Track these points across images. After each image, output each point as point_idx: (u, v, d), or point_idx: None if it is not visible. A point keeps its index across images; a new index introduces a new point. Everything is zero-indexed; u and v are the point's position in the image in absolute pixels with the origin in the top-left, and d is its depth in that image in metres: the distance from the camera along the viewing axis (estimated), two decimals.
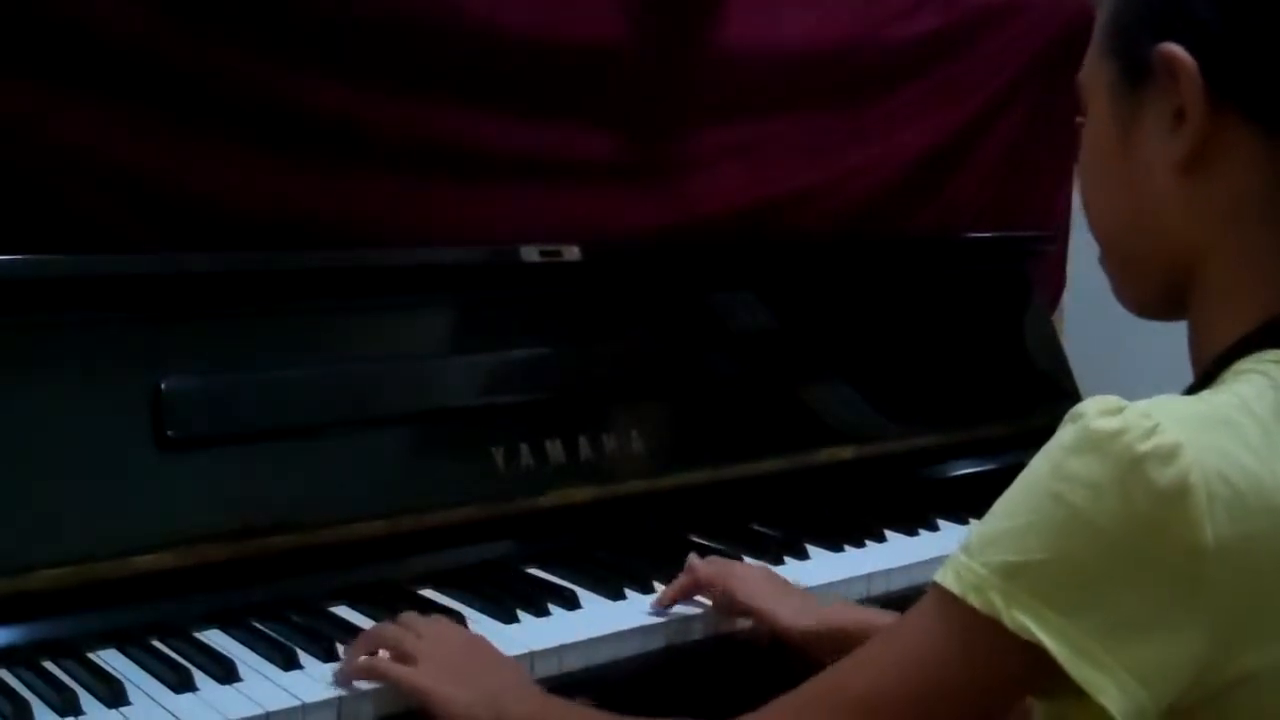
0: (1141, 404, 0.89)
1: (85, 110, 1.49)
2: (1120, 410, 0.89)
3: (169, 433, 1.43)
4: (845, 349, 2.01)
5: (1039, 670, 0.89)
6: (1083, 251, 2.51)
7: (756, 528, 1.79)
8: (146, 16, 1.50)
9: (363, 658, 1.31)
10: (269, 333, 1.55)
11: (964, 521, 1.88)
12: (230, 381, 1.49)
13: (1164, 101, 0.96)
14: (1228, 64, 0.94)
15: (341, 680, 1.30)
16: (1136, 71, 0.98)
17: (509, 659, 1.34)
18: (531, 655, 1.40)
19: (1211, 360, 0.97)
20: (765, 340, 1.96)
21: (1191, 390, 0.97)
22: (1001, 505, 0.94)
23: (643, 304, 1.86)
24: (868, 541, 1.75)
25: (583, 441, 1.69)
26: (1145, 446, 0.86)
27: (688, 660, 1.48)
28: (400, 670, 1.27)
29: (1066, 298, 2.50)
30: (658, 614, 1.51)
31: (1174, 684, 0.88)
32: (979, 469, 2.08)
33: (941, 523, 1.86)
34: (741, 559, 1.64)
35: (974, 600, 0.90)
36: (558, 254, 1.75)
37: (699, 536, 1.74)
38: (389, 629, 1.33)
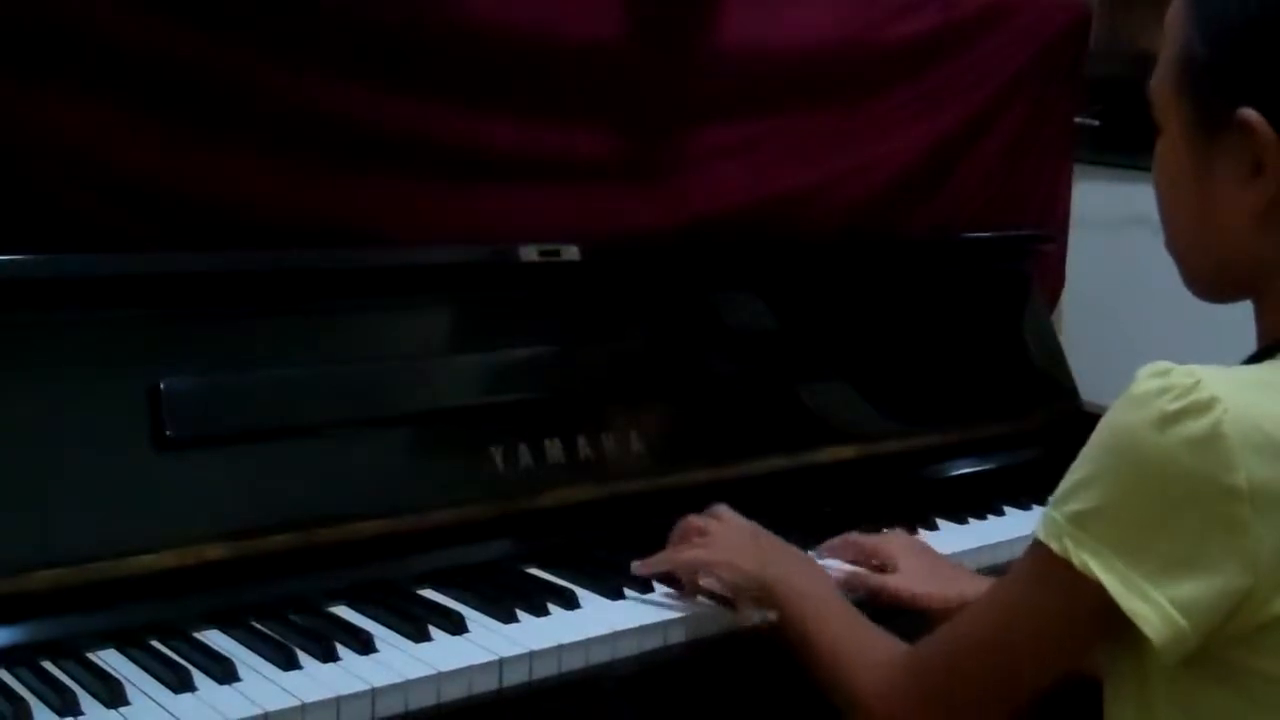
0: (1191, 366, 1.01)
1: (85, 110, 1.49)
2: (1168, 371, 1.01)
3: (168, 432, 1.43)
4: (845, 348, 2.02)
5: (1101, 611, 1.02)
6: (1081, 250, 2.52)
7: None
8: (146, 16, 1.50)
9: (666, 554, 1.55)
10: (268, 332, 1.55)
11: (964, 521, 1.88)
12: (229, 381, 1.49)
13: (1241, 151, 1.07)
14: None
15: (646, 571, 1.55)
16: (1213, 121, 1.08)
17: (776, 538, 1.55)
18: (530, 655, 1.40)
19: (1275, 339, 1.08)
20: (765, 339, 1.96)
21: (1252, 359, 1.08)
22: (1076, 461, 1.07)
23: (642, 304, 1.86)
24: None
25: (582, 441, 1.69)
26: (1183, 401, 0.99)
27: (686, 659, 1.48)
28: (690, 551, 1.53)
29: (1065, 296, 2.50)
30: (656, 613, 1.51)
31: (1213, 618, 0.99)
32: (978, 468, 2.09)
33: (941, 522, 1.86)
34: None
35: (1054, 546, 1.04)
36: (557, 254, 1.75)
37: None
38: (684, 527, 1.58)
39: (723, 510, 1.59)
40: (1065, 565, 1.03)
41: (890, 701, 1.23)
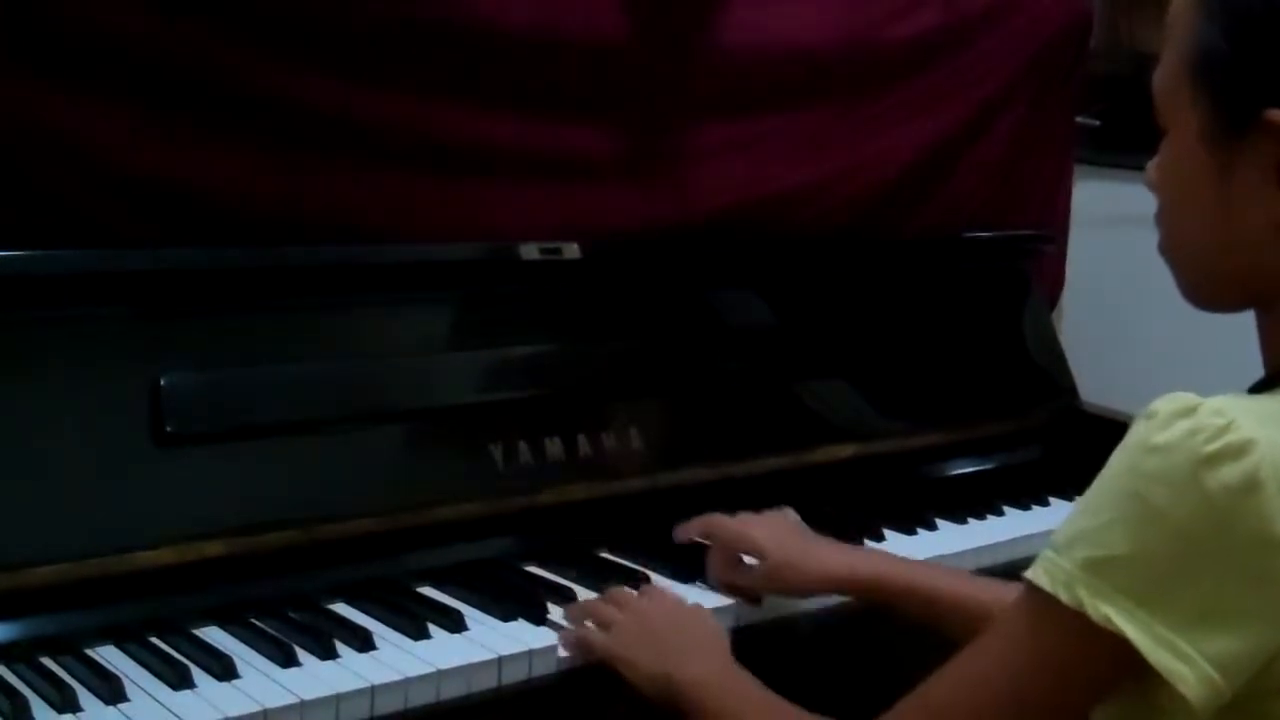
0: (1216, 401, 0.95)
1: (85, 107, 1.49)
2: (1194, 409, 0.94)
3: (168, 429, 1.43)
4: (845, 347, 2.01)
5: (1121, 662, 0.95)
6: (1082, 250, 2.52)
7: None
8: (146, 13, 1.50)
9: (574, 633, 1.43)
10: (268, 329, 1.55)
11: (963, 520, 1.88)
12: (229, 378, 1.49)
13: (1265, 156, 1.00)
14: None
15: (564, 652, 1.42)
16: (1232, 122, 1.01)
17: (706, 627, 1.42)
18: (530, 653, 1.41)
19: None
20: (765, 338, 1.96)
21: (1264, 383, 1.02)
22: (1085, 502, 0.99)
23: (642, 301, 1.86)
24: (866, 540, 1.75)
25: (582, 439, 1.69)
26: (1218, 444, 0.92)
27: None
28: (593, 637, 1.41)
29: (1065, 296, 2.50)
30: None
31: (1247, 671, 0.94)
32: (977, 468, 2.09)
33: (940, 522, 1.86)
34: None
35: (1063, 596, 0.96)
36: (557, 251, 1.75)
37: None
38: (594, 603, 1.47)
39: (654, 590, 1.51)
40: (1075, 615, 0.96)
41: None
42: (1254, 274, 1.04)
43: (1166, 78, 1.06)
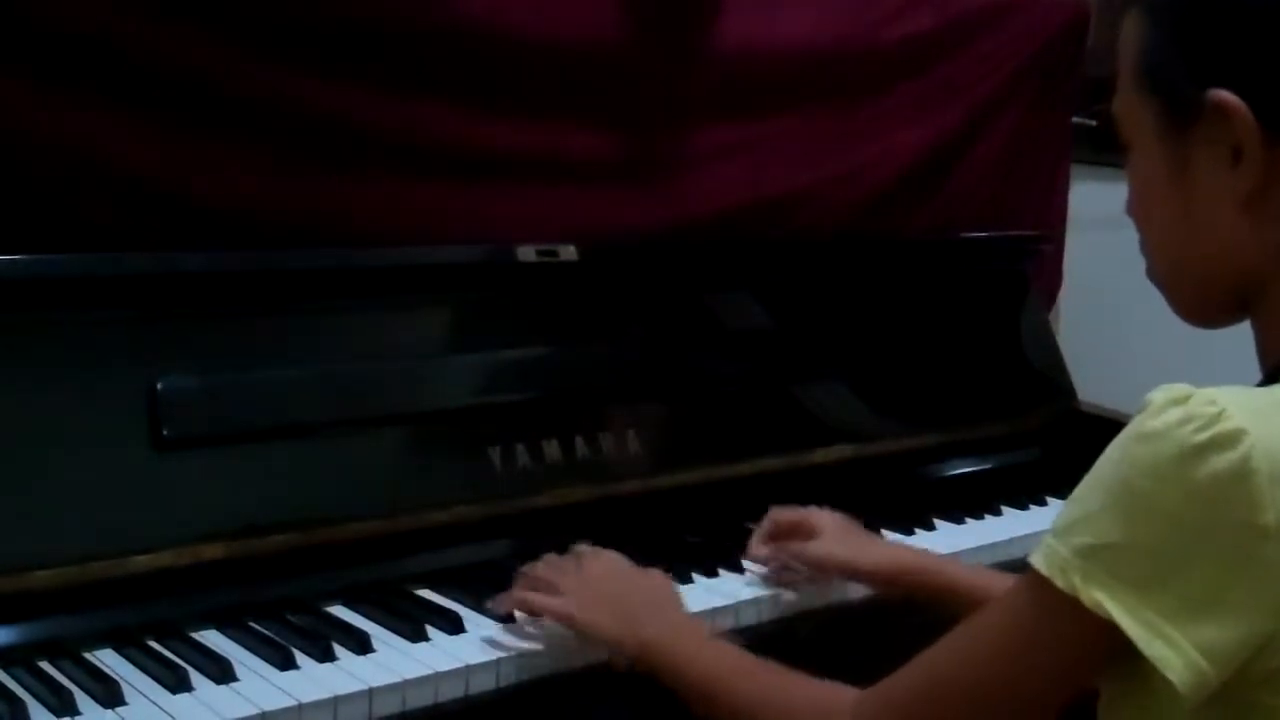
0: (1209, 391, 0.95)
1: (83, 110, 1.49)
2: (1187, 398, 0.94)
3: (165, 433, 1.42)
4: (842, 349, 2.02)
5: (1113, 647, 0.96)
6: (1079, 251, 2.52)
7: (753, 528, 1.78)
8: (144, 16, 1.50)
9: (516, 593, 1.44)
10: (266, 332, 1.55)
11: (961, 521, 1.88)
12: (227, 381, 1.49)
13: (1217, 140, 1.01)
14: (1278, 104, 0.99)
15: (501, 612, 1.44)
16: (1183, 113, 1.03)
17: (654, 583, 1.45)
18: (527, 655, 1.40)
19: None
20: (762, 340, 1.96)
21: (1264, 383, 1.02)
22: (1081, 489, 1.00)
23: (640, 304, 1.86)
24: None
25: (580, 441, 1.69)
26: (1209, 433, 0.92)
27: None
28: (548, 601, 1.41)
29: (1063, 297, 2.50)
30: None
31: (1236, 660, 0.94)
32: (975, 468, 2.09)
33: (938, 522, 1.86)
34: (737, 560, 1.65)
35: (1059, 581, 0.97)
36: (554, 254, 1.75)
37: (695, 536, 1.74)
38: (540, 568, 1.46)
39: (584, 550, 1.49)
40: (1071, 601, 0.97)
41: None
42: (1228, 271, 1.05)
43: (1122, 98, 1.08)
